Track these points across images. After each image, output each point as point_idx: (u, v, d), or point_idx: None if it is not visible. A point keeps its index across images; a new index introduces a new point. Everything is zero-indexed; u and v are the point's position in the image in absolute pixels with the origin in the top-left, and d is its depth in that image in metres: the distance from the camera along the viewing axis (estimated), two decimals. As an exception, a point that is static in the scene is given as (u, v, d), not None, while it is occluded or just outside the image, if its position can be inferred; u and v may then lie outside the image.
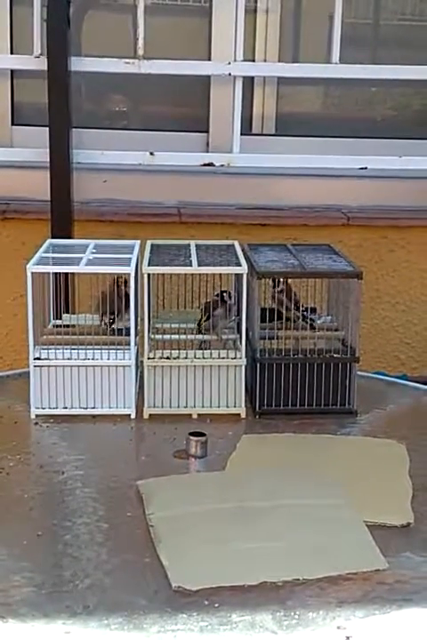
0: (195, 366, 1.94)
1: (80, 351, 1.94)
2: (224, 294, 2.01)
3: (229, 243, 2.14)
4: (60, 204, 2.70)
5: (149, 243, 2.10)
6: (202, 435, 1.74)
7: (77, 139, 2.79)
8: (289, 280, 2.04)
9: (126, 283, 1.94)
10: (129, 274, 1.89)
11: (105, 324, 2.02)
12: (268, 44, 3.07)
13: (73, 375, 1.93)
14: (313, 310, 2.12)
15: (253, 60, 3.04)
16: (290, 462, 1.73)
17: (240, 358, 1.94)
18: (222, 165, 2.94)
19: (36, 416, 1.91)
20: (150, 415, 1.94)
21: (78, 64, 2.78)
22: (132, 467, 1.73)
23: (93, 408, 1.93)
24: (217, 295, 2.02)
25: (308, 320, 2.04)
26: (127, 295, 1.92)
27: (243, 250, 2.08)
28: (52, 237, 2.47)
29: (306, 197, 2.96)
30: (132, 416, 1.93)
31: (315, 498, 1.55)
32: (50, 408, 1.93)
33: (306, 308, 2.07)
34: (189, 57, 2.93)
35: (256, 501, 1.52)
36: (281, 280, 2.03)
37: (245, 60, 2.91)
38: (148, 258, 1.98)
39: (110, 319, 2.01)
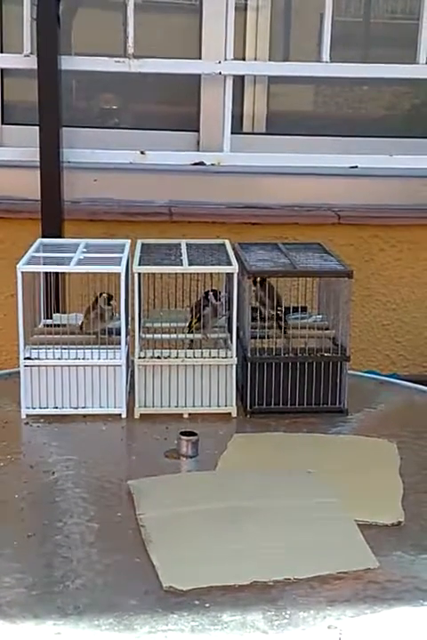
0: (186, 365, 1.94)
1: (71, 351, 1.94)
2: (210, 294, 2.01)
3: (220, 242, 2.13)
4: (50, 203, 2.70)
5: (139, 242, 2.10)
6: (193, 434, 1.73)
7: (68, 138, 2.79)
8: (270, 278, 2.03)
9: (111, 298, 1.98)
10: (119, 273, 1.89)
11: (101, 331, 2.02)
12: (258, 42, 3.07)
13: (63, 375, 1.92)
14: (304, 309, 2.12)
15: (244, 59, 3.03)
16: (281, 461, 1.73)
17: (231, 357, 1.94)
18: (213, 164, 2.94)
19: (27, 416, 1.91)
20: (141, 415, 1.93)
21: (68, 63, 2.78)
22: (123, 466, 1.73)
23: (84, 408, 1.93)
24: (205, 294, 2.02)
25: (282, 321, 2.02)
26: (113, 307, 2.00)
27: (233, 249, 2.07)
28: (43, 237, 2.46)
29: (297, 196, 2.96)
30: (123, 416, 1.93)
31: (306, 497, 1.55)
32: (40, 408, 1.92)
33: (288, 308, 2.06)
34: (179, 55, 2.92)
35: (247, 501, 1.52)
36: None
37: (235, 59, 2.91)
38: (138, 257, 1.98)
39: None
